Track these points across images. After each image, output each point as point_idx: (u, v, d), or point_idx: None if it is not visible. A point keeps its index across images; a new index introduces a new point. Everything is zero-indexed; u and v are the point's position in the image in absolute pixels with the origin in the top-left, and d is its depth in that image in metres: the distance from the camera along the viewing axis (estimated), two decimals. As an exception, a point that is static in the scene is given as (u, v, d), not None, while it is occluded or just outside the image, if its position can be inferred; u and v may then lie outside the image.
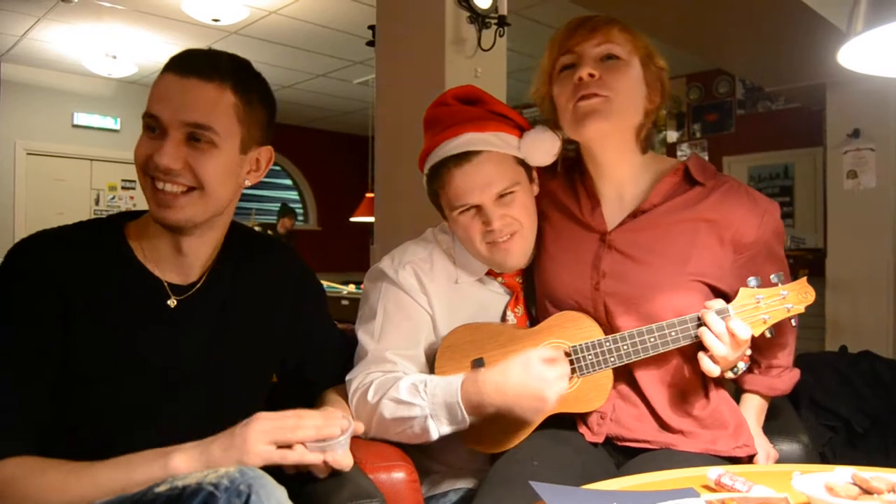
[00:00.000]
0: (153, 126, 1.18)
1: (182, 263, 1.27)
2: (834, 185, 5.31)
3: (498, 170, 1.44)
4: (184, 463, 1.05)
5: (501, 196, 1.44)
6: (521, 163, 1.50)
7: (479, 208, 1.45)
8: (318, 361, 1.50)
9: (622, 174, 1.47)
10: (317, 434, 1.12)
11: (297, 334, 1.44)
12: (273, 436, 1.09)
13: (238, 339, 1.32)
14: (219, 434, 1.09)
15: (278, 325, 1.40)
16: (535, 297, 1.57)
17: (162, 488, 0.98)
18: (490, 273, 1.56)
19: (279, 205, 8.27)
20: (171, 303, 1.25)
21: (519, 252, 1.50)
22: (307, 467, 1.17)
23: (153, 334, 1.22)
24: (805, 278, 1.35)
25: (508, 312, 1.55)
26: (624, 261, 1.41)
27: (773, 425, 1.53)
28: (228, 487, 0.94)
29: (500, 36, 2.66)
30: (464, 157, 1.43)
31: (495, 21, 2.63)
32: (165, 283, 1.25)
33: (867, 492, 0.92)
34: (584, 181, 1.52)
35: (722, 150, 7.10)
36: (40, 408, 1.12)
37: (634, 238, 1.42)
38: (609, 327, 1.41)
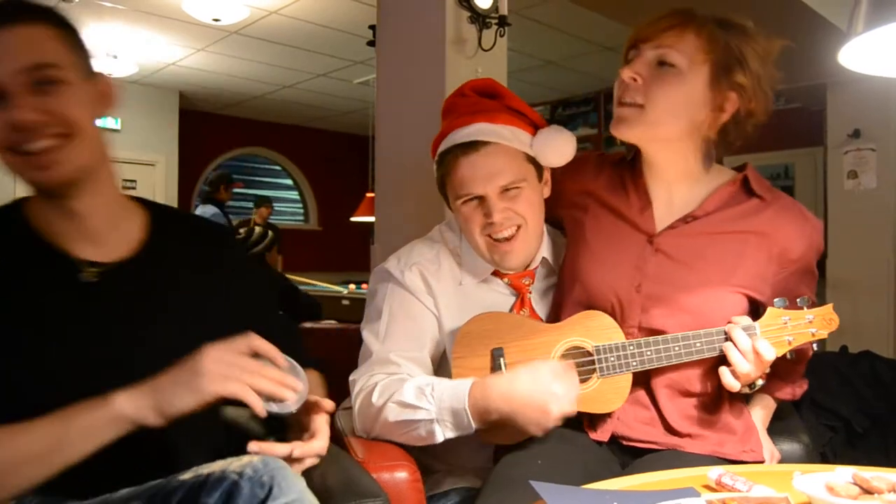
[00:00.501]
0: None
1: (90, 232, 1.19)
2: (834, 185, 5.32)
3: (505, 162, 1.44)
4: (129, 402, 1.00)
5: (506, 190, 1.44)
6: (532, 161, 1.49)
7: (482, 199, 1.45)
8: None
9: (675, 178, 1.44)
10: (275, 392, 1.06)
11: (237, 315, 1.33)
12: (230, 372, 1.03)
13: (171, 319, 1.23)
14: (168, 377, 1.03)
15: (216, 306, 1.31)
16: (557, 292, 1.55)
17: (186, 476, 0.97)
18: (496, 273, 1.56)
19: (279, 204, 8.26)
20: (87, 276, 1.17)
21: (519, 253, 1.49)
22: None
23: (67, 313, 1.14)
24: (831, 305, 1.36)
25: (514, 314, 1.55)
26: (669, 264, 1.39)
27: (774, 425, 1.53)
28: (252, 477, 0.94)
29: (501, 36, 2.66)
30: (472, 145, 1.43)
31: (496, 21, 2.63)
32: (76, 259, 1.17)
33: (868, 491, 0.92)
34: (635, 179, 1.48)
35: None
36: None
37: (683, 242, 1.40)
38: (643, 329, 1.39)
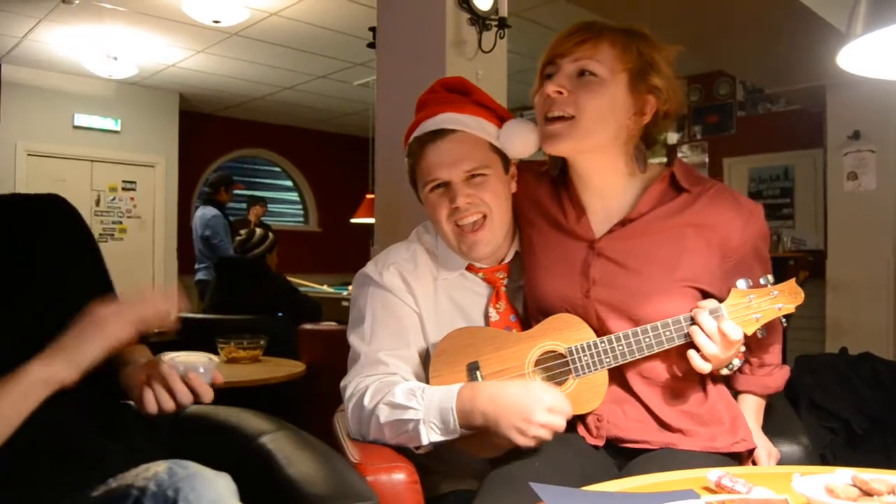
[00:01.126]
0: None
1: None
2: (834, 186, 5.32)
3: (470, 149, 1.47)
4: (42, 367, 1.02)
5: (471, 176, 1.47)
6: (498, 151, 1.51)
7: (447, 186, 1.47)
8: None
9: (606, 186, 1.47)
10: (164, 309, 1.13)
11: (85, 284, 1.35)
12: (127, 313, 1.09)
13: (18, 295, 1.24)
14: (72, 335, 1.06)
15: (41, 278, 1.29)
16: (526, 302, 1.58)
17: (98, 492, 0.97)
18: (470, 268, 1.57)
19: (279, 206, 8.26)
20: None
21: (486, 242, 1.50)
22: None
23: None
24: (794, 280, 1.37)
25: (490, 308, 1.56)
26: (614, 268, 1.42)
27: (773, 427, 1.53)
28: (155, 492, 0.91)
29: (501, 38, 2.67)
30: (438, 133, 1.47)
31: (496, 23, 2.63)
32: None
33: (867, 494, 0.92)
34: (568, 190, 1.52)
35: (722, 151, 7.10)
36: None
37: (623, 246, 1.42)
38: (602, 333, 1.41)
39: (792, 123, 6.50)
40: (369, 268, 1.58)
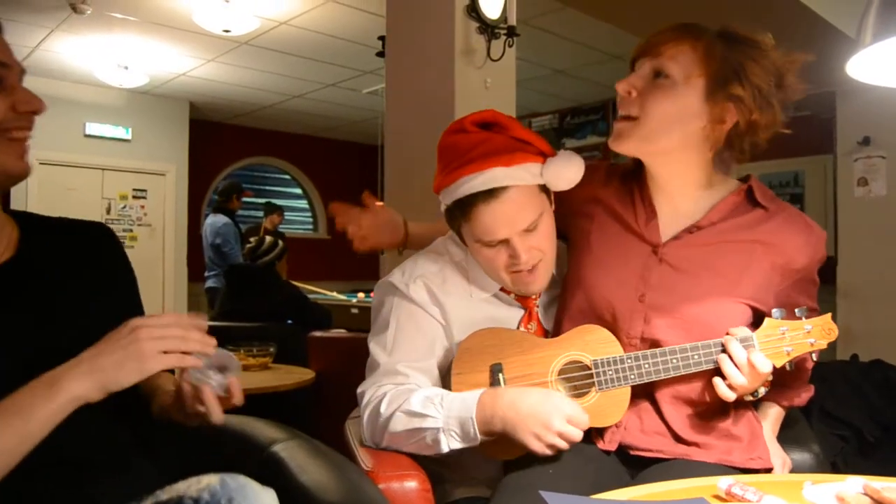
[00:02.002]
0: None
1: None
2: (844, 192, 5.31)
3: (525, 204, 1.41)
4: (77, 385, 1.00)
5: (528, 230, 1.43)
6: (544, 188, 1.47)
7: (505, 241, 1.43)
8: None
9: (677, 191, 1.45)
10: (202, 348, 1.09)
11: (114, 312, 1.30)
12: (166, 345, 1.05)
13: (56, 320, 1.23)
14: (99, 347, 1.04)
15: (100, 304, 1.30)
16: (560, 301, 1.54)
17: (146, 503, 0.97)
18: (503, 289, 1.56)
19: (289, 214, 8.27)
20: None
21: (542, 280, 1.50)
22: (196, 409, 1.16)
23: None
24: (829, 315, 1.35)
25: (521, 328, 1.55)
26: (673, 274, 1.39)
27: (785, 434, 1.52)
28: (209, 501, 0.92)
29: (510, 46, 2.67)
30: (491, 193, 1.39)
31: (504, 31, 2.64)
32: None
33: (878, 502, 0.92)
34: (641, 191, 1.49)
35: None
36: None
37: (688, 253, 1.40)
38: (645, 340, 1.39)
39: (802, 129, 6.39)
40: (395, 277, 1.56)
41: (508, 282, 1.49)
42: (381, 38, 3.08)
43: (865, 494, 0.94)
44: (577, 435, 1.28)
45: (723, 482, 1.04)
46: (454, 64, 2.56)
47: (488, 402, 1.31)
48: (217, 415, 1.18)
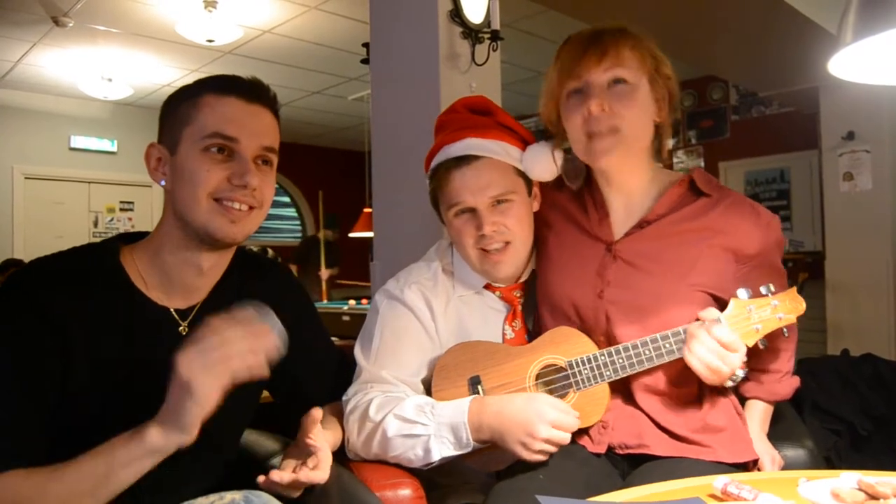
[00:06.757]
0: (223, 147, 1.22)
1: (194, 286, 1.26)
2: (830, 187, 5.33)
3: (495, 175, 1.47)
4: (159, 436, 1.02)
5: (497, 203, 1.47)
6: (522, 175, 1.52)
7: (473, 212, 1.47)
8: (316, 378, 1.50)
9: (632, 186, 1.49)
10: (251, 350, 1.05)
11: (296, 351, 1.35)
12: (215, 373, 1.03)
13: None
14: (170, 398, 1.04)
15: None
16: (535, 309, 1.57)
17: None
18: (488, 287, 1.57)
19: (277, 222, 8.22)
20: (183, 330, 1.23)
21: (510, 264, 1.51)
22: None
23: (166, 365, 1.11)
24: (795, 288, 1.37)
25: (506, 326, 1.56)
26: (629, 270, 1.42)
27: (778, 431, 1.53)
28: None
29: (494, 50, 2.67)
30: (463, 159, 1.47)
31: (488, 35, 2.64)
32: (172, 311, 1.24)
33: (873, 497, 0.92)
34: (592, 193, 1.53)
35: (718, 155, 7.12)
36: (38, 444, 1.07)
37: (640, 248, 1.43)
38: (608, 337, 1.41)
39: (786, 126, 6.52)
40: (391, 284, 1.59)
41: (476, 261, 1.51)
42: (366, 44, 3.07)
43: (860, 489, 0.95)
44: (565, 438, 1.29)
45: (718, 481, 1.04)
46: (439, 69, 2.56)
47: (476, 411, 1.33)
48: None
